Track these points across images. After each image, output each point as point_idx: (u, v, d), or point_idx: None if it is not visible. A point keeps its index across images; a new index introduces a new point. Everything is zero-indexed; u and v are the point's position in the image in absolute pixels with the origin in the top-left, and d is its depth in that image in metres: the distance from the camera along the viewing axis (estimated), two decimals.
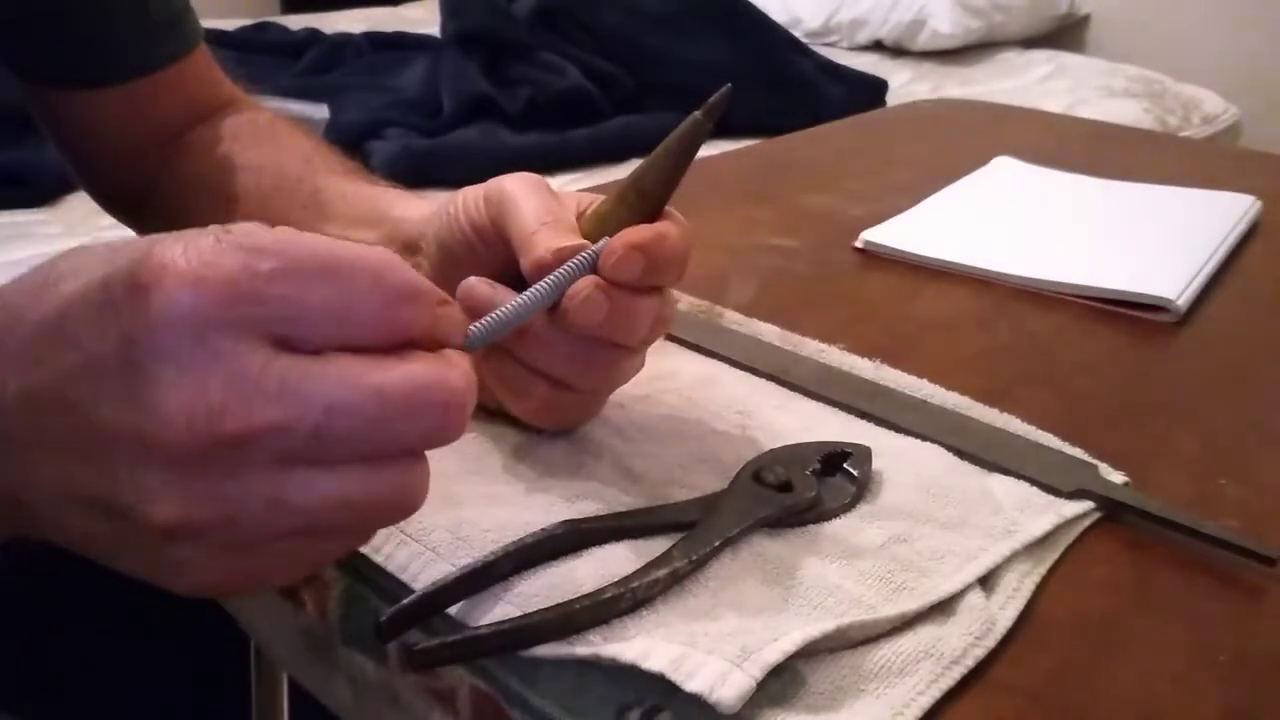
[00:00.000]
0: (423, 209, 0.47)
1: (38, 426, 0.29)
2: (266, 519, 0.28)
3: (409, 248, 0.47)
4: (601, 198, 0.44)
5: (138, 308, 0.27)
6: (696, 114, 0.40)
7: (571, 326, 0.39)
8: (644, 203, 0.41)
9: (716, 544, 0.38)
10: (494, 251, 0.42)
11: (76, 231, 1.33)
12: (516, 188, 0.42)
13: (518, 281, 0.40)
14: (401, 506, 0.31)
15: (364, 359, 0.28)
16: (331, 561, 0.32)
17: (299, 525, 0.29)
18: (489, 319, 0.36)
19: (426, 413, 0.29)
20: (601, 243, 0.40)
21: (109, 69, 0.56)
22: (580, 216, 0.43)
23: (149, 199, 0.59)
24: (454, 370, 0.29)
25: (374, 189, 0.52)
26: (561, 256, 0.38)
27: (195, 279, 0.27)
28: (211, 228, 0.28)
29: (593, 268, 0.39)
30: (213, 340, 0.27)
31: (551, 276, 0.39)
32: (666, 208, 0.42)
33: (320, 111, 1.65)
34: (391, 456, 0.29)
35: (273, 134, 0.58)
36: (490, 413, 0.45)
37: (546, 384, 0.42)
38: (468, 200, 0.43)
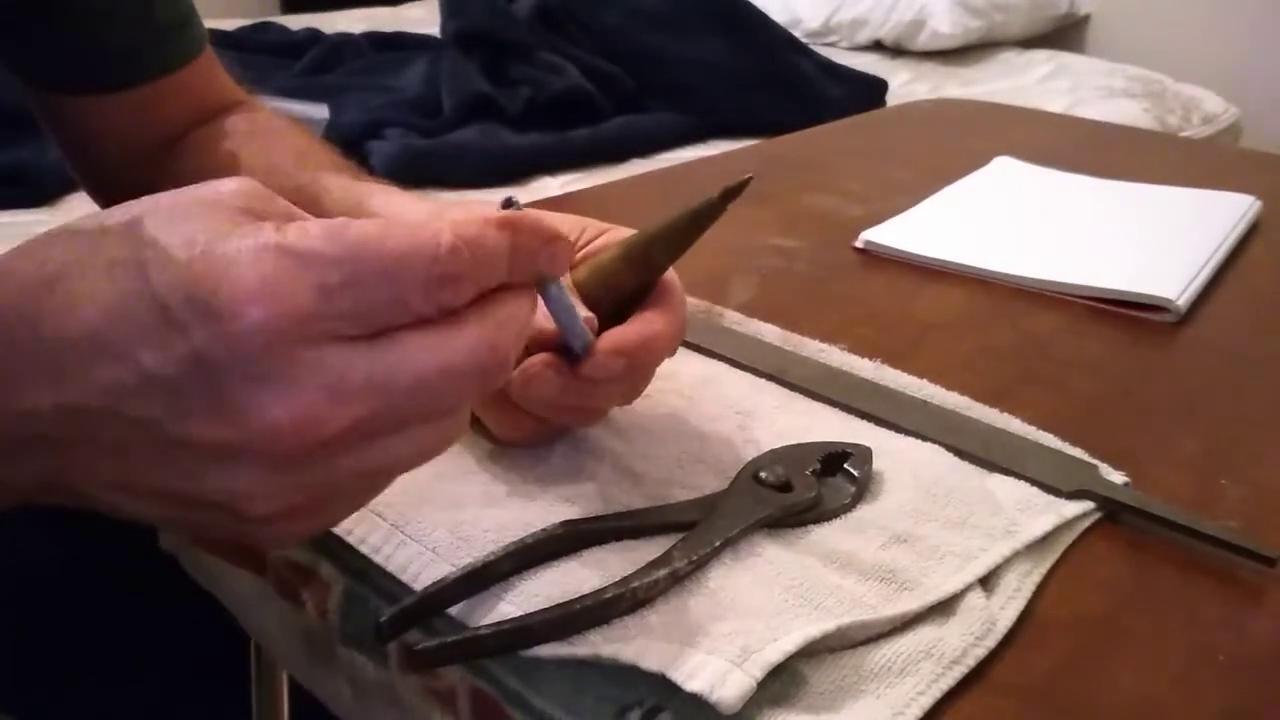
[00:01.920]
0: (407, 209, 0.47)
1: (93, 438, 0.30)
2: (353, 485, 0.31)
3: None
4: (600, 230, 0.45)
5: (213, 332, 0.27)
6: (714, 196, 0.40)
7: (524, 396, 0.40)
8: (647, 270, 0.42)
9: (716, 544, 0.38)
10: None
11: None
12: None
13: None
14: (456, 437, 0.33)
15: (429, 334, 0.30)
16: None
17: (378, 480, 0.32)
18: None
19: (482, 378, 0.31)
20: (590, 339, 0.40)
21: (113, 75, 0.56)
22: (579, 249, 0.43)
23: None
24: (502, 333, 0.31)
25: (354, 183, 0.52)
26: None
27: (272, 304, 0.27)
28: (265, 228, 0.28)
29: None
30: (297, 355, 0.28)
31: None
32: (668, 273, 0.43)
33: (320, 111, 1.64)
34: (451, 410, 0.32)
35: (267, 132, 0.58)
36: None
37: (533, 420, 0.43)
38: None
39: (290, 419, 0.28)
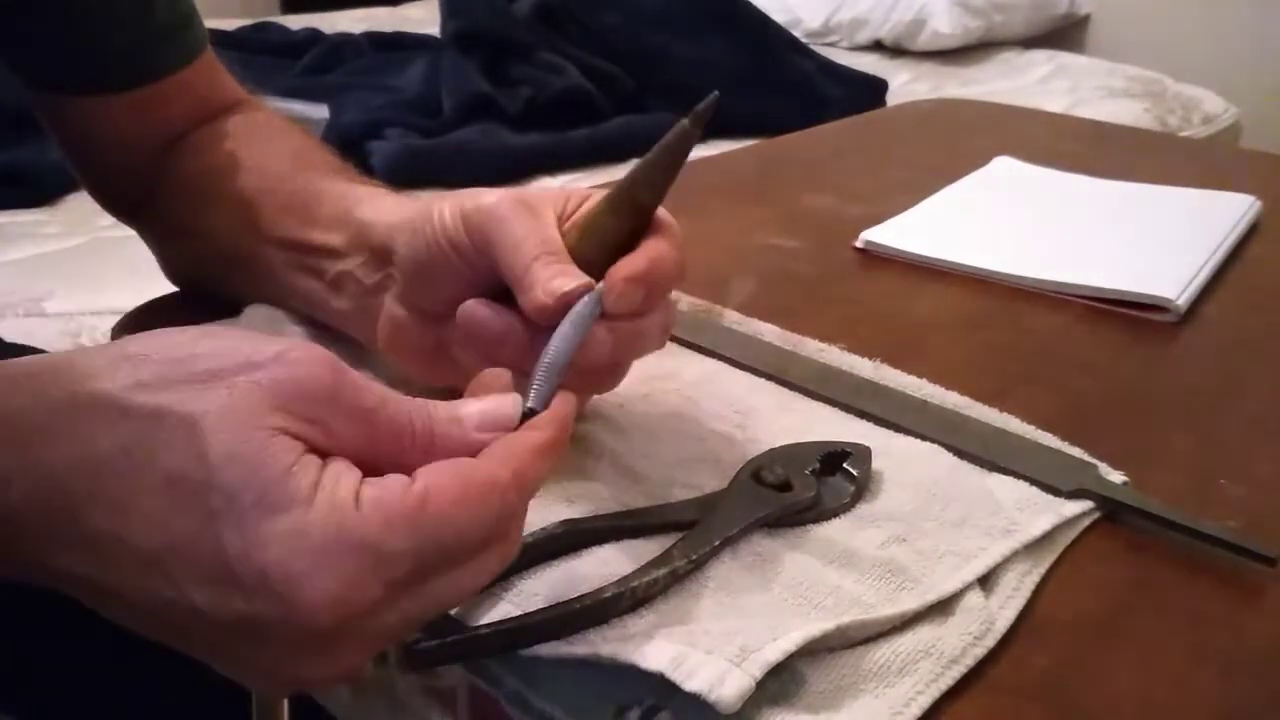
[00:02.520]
0: (393, 213, 0.46)
1: (126, 605, 0.30)
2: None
3: (378, 254, 0.46)
4: (583, 196, 0.44)
5: (279, 614, 0.28)
6: (684, 122, 0.39)
7: (584, 363, 0.40)
8: (635, 214, 0.41)
9: (716, 544, 0.38)
10: (475, 269, 0.42)
11: (76, 231, 1.33)
12: (499, 209, 0.41)
13: (504, 295, 0.41)
14: None
15: (461, 570, 0.31)
16: None
17: None
18: (538, 387, 0.36)
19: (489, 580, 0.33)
20: (600, 286, 0.40)
21: (115, 76, 0.56)
22: (562, 219, 0.43)
23: (150, 201, 0.59)
24: (516, 541, 0.33)
25: (347, 187, 0.51)
26: (565, 302, 0.38)
27: (343, 608, 0.28)
28: (343, 498, 0.29)
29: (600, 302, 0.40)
30: (350, 631, 0.29)
31: (571, 322, 0.38)
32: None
33: (320, 111, 1.65)
34: None
35: (264, 133, 0.58)
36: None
37: None
38: (444, 217, 0.42)
39: (329, 677, 0.30)
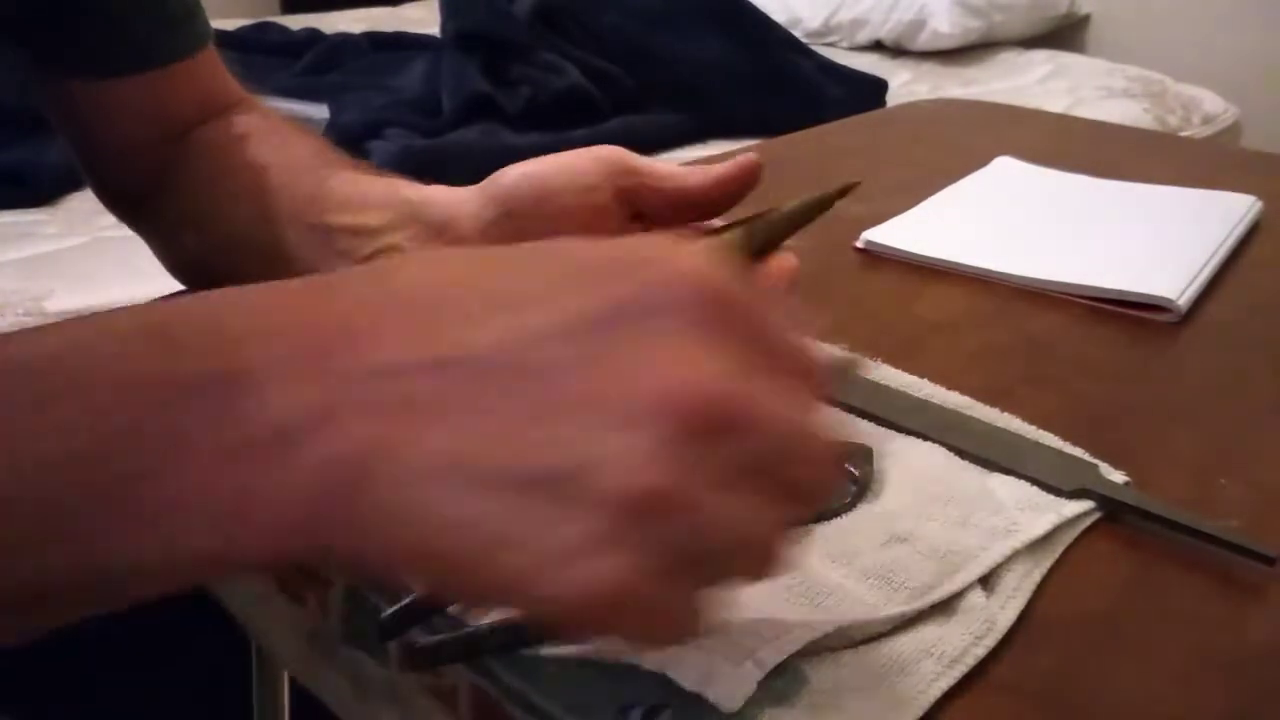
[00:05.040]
0: (446, 193, 0.49)
1: (445, 399, 0.26)
2: (707, 529, 0.26)
3: (433, 229, 0.48)
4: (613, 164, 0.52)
5: (639, 278, 0.27)
6: (831, 192, 0.47)
7: None
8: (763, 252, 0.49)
9: None
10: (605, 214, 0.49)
11: (76, 231, 1.33)
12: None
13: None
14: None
15: (781, 385, 0.27)
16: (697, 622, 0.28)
17: (723, 553, 0.27)
18: None
19: (830, 466, 0.29)
20: None
21: (128, 59, 0.57)
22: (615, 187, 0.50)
23: (156, 192, 0.59)
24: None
25: (385, 177, 0.53)
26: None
27: (704, 272, 0.27)
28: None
29: None
30: (713, 323, 0.26)
31: None
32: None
33: (320, 111, 1.65)
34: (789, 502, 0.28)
35: (281, 129, 0.59)
36: None
37: None
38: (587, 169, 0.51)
39: (687, 377, 0.26)
